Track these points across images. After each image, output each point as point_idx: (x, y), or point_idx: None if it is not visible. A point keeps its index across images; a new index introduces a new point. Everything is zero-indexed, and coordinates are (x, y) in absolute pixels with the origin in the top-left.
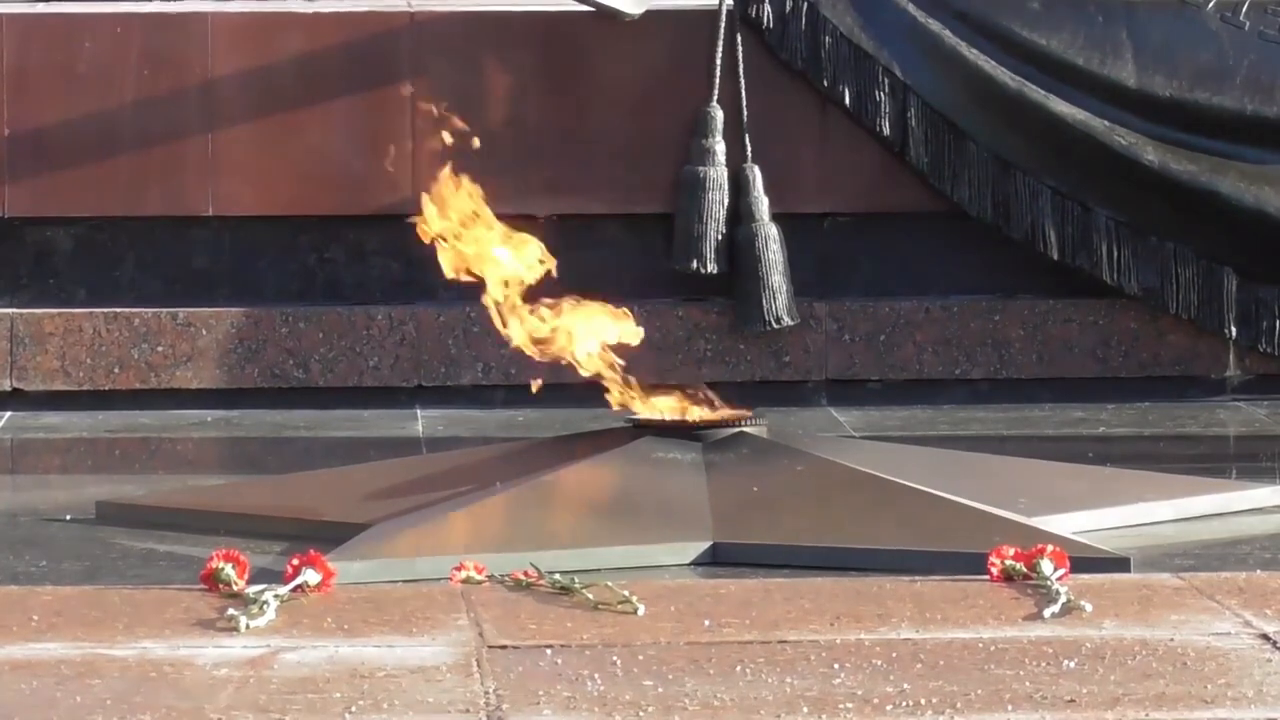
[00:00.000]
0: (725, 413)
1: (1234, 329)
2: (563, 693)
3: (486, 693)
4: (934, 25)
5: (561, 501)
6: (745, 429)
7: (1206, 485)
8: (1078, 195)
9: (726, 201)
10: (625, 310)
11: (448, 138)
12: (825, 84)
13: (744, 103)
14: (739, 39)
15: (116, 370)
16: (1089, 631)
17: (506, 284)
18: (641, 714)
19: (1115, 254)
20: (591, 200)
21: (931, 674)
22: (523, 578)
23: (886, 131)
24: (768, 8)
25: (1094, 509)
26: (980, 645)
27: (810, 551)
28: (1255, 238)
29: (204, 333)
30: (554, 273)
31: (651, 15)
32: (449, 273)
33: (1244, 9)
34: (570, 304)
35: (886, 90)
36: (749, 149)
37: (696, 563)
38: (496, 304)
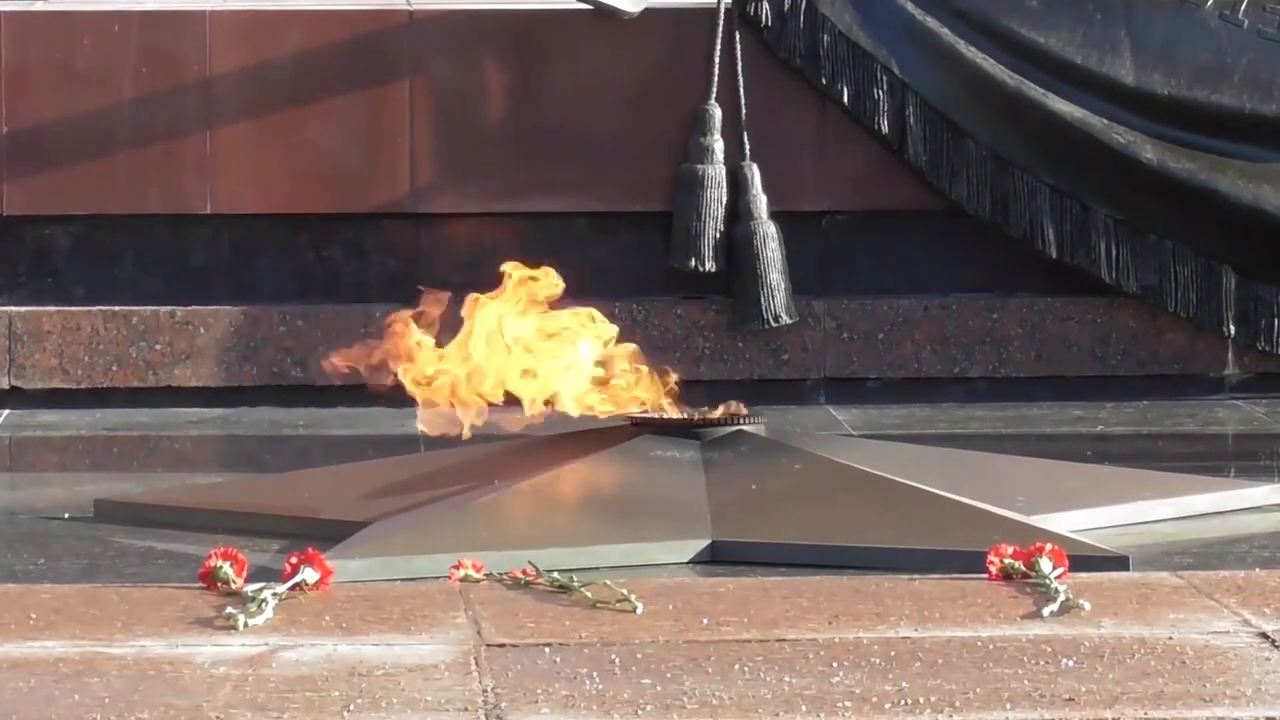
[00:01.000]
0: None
1: (1232, 327)
2: (561, 691)
3: (485, 691)
4: (932, 23)
5: (560, 500)
6: (744, 427)
7: (1205, 484)
8: (1076, 193)
9: (725, 199)
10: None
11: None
12: (824, 82)
13: (742, 100)
14: (737, 37)
15: (115, 368)
16: (1087, 630)
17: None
18: (640, 712)
19: (1114, 252)
20: (590, 198)
21: (930, 672)
22: (521, 576)
23: (885, 129)
24: (766, 6)
25: (1092, 507)
26: (979, 644)
27: (809, 550)
28: (1254, 236)
29: (202, 331)
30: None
31: (650, 13)
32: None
33: (1243, 7)
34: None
35: (885, 88)
36: (747, 147)
37: (695, 561)
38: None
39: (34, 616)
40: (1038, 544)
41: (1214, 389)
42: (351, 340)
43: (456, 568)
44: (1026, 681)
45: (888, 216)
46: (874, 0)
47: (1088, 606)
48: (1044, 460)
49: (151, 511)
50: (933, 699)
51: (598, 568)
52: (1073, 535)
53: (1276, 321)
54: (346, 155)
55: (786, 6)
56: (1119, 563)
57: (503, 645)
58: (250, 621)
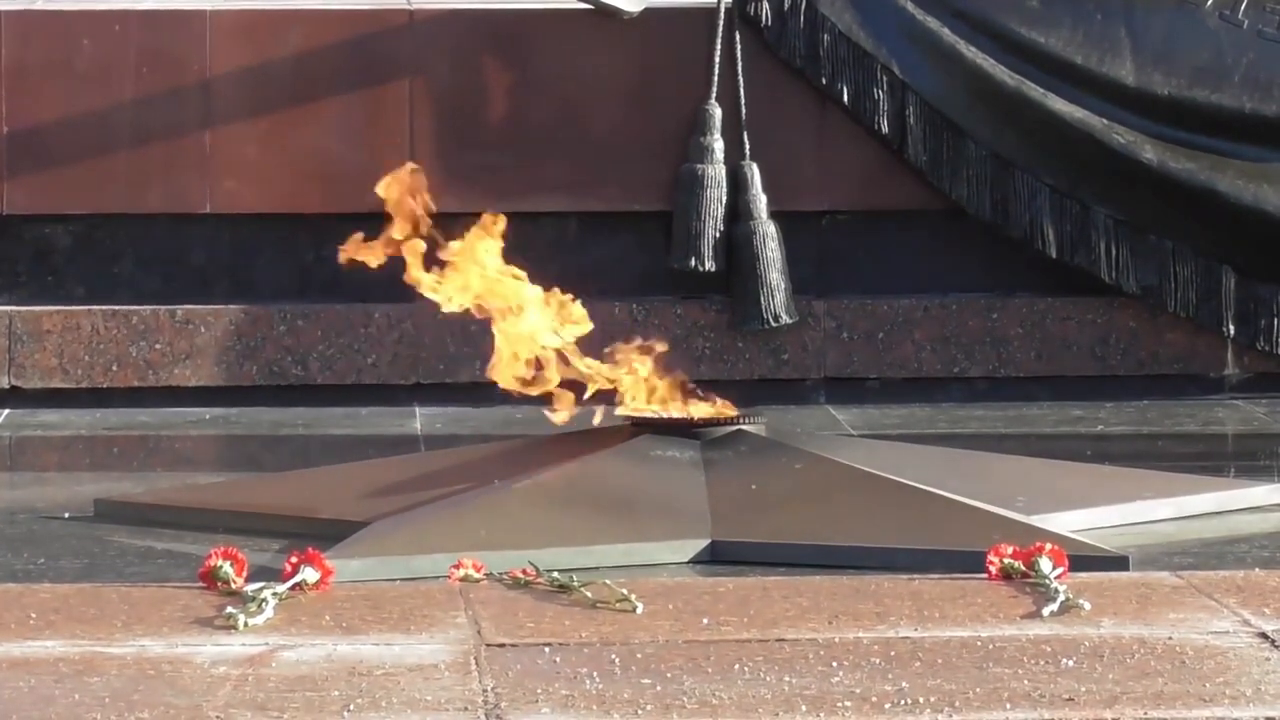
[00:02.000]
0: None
1: (1232, 327)
2: (561, 691)
3: (485, 691)
4: (932, 23)
5: (560, 499)
6: (744, 427)
7: (1205, 484)
8: (1076, 193)
9: (725, 199)
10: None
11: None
12: (823, 81)
13: (742, 100)
14: (737, 37)
15: (115, 368)
16: (1087, 630)
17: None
18: (640, 712)
19: (1114, 252)
20: (590, 198)
21: (930, 672)
22: (521, 576)
23: (885, 129)
24: (766, 5)
25: (1092, 507)
26: (978, 643)
27: (808, 550)
28: (1254, 236)
29: (202, 330)
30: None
31: (650, 13)
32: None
33: (1242, 7)
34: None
35: (885, 88)
36: (747, 146)
37: (695, 561)
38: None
39: (34, 616)
40: (1037, 544)
41: (1214, 389)
42: (351, 340)
43: (456, 567)
44: (1026, 681)
45: (888, 216)
46: (874, 0)
47: (1087, 606)
48: (1044, 460)
49: (151, 511)
50: (933, 699)
51: (598, 567)
52: (1072, 535)
53: (1276, 321)
54: (346, 155)
55: (786, 6)
56: (1119, 563)
57: (503, 645)
58: (250, 621)
